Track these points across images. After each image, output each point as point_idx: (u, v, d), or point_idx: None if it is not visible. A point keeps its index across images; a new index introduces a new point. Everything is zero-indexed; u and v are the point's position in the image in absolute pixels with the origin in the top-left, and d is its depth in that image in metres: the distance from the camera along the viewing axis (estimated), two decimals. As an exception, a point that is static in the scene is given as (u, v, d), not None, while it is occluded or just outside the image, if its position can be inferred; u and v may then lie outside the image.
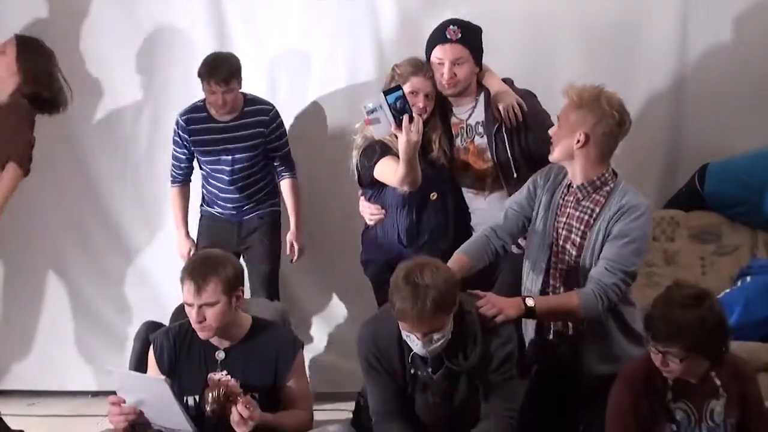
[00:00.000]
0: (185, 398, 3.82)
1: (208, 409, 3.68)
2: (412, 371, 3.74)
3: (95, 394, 5.95)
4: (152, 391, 3.68)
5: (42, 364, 6.18)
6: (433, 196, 4.56)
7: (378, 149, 4.44)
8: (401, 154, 4.14)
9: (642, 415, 3.42)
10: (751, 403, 3.49)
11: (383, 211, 4.60)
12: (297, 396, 3.90)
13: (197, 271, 3.79)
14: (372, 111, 4.01)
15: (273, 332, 3.98)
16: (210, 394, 3.67)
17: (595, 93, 3.82)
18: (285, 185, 5.42)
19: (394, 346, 3.72)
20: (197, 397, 3.84)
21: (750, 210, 5.45)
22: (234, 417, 3.66)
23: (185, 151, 5.32)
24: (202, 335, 3.85)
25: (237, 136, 5.21)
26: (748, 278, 5.18)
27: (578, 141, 3.82)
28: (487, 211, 4.53)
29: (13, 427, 5.10)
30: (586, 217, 3.89)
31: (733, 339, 4.16)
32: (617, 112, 3.81)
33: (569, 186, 3.94)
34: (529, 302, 3.77)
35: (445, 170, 4.57)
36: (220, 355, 3.89)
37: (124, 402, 3.70)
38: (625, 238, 3.79)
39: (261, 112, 5.25)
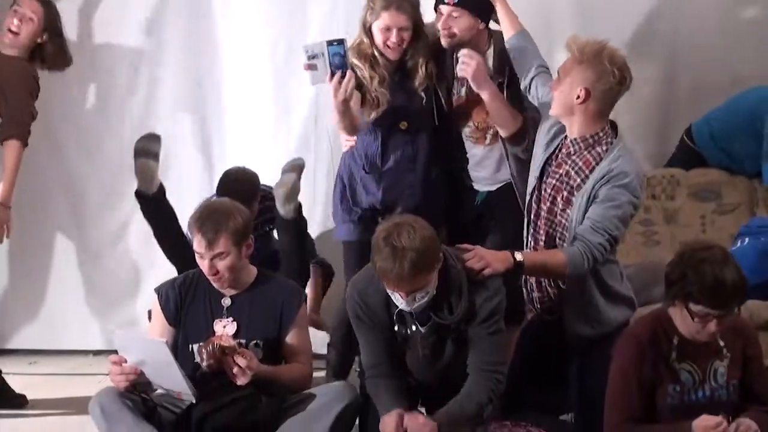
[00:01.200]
0: (190, 346, 3.85)
1: (204, 365, 3.70)
2: (400, 327, 3.76)
3: (96, 353, 5.98)
4: (153, 352, 3.70)
5: (43, 324, 6.21)
6: (403, 125, 4.53)
7: None
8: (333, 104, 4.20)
9: (646, 376, 3.42)
10: (753, 363, 3.50)
11: (355, 137, 4.57)
12: (297, 349, 3.93)
13: (208, 224, 3.82)
14: (312, 57, 4.00)
15: (278, 282, 4.03)
16: (205, 350, 3.69)
17: (598, 49, 3.79)
18: None
19: (381, 302, 3.74)
20: (208, 349, 3.87)
21: (736, 161, 5.46)
22: (232, 368, 3.68)
23: None
24: (216, 285, 3.91)
25: None
26: (747, 239, 5.17)
27: (578, 96, 3.80)
28: (485, 158, 4.54)
29: (14, 386, 5.13)
30: (574, 174, 3.89)
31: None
32: (618, 70, 3.78)
33: (565, 139, 3.93)
34: (518, 257, 3.76)
35: (424, 102, 4.53)
36: (226, 302, 3.93)
37: (126, 362, 3.72)
38: (611, 202, 3.78)
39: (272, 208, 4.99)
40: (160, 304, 3.99)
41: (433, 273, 3.59)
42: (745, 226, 5.27)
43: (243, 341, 3.86)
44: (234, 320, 3.89)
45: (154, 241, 5.41)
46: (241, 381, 3.70)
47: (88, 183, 6.15)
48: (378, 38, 4.42)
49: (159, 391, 3.80)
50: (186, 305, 3.95)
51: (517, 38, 4.30)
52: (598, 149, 3.86)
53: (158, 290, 4.04)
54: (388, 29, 4.39)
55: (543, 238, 3.97)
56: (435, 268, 3.59)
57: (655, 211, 5.56)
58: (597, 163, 3.84)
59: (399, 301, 3.62)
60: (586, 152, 3.87)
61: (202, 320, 3.91)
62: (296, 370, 3.88)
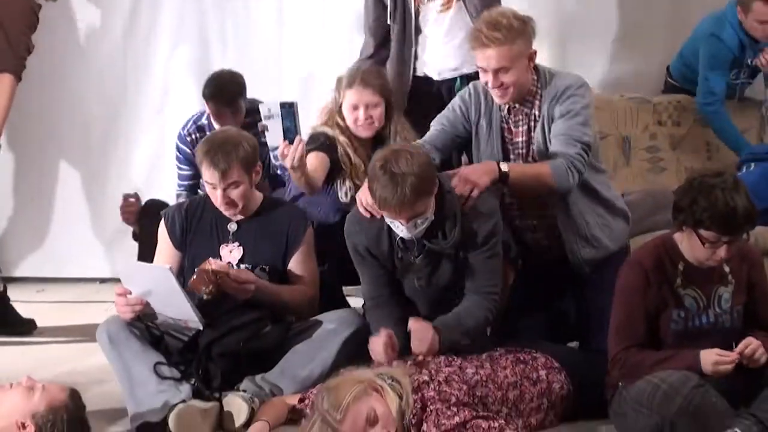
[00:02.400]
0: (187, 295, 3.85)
1: (204, 296, 3.71)
2: (400, 255, 3.76)
3: (103, 280, 6.01)
4: (157, 280, 3.70)
5: (51, 252, 6.24)
6: None
7: (322, 140, 4.24)
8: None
9: (650, 302, 3.43)
10: (757, 289, 3.50)
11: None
12: (302, 274, 3.95)
13: (219, 157, 3.82)
14: (268, 117, 3.84)
15: (284, 208, 4.05)
16: (199, 279, 3.70)
17: (508, 22, 3.75)
18: None
19: (381, 232, 3.74)
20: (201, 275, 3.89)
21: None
22: (230, 286, 3.71)
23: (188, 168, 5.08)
24: (228, 213, 3.92)
25: None
26: (753, 165, 5.17)
27: (528, 69, 3.81)
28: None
29: (22, 314, 5.16)
30: (527, 126, 3.89)
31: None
32: (524, 23, 3.79)
33: (501, 106, 3.89)
34: (503, 167, 3.74)
35: None
36: (232, 226, 3.95)
37: (130, 293, 3.73)
38: (569, 113, 3.80)
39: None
40: (167, 228, 4.00)
41: (432, 197, 3.59)
42: (750, 152, 5.27)
43: (249, 266, 3.88)
44: (240, 245, 3.90)
45: (160, 168, 5.43)
46: (244, 296, 3.72)
47: (93, 110, 6.13)
48: (348, 118, 4.26)
49: (165, 319, 3.82)
50: (192, 229, 3.96)
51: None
52: (534, 87, 3.87)
53: (165, 213, 4.06)
54: (355, 107, 4.23)
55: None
56: (433, 192, 3.60)
57: (661, 137, 5.55)
58: (540, 100, 3.85)
59: (399, 229, 3.62)
60: (527, 99, 3.88)
61: (208, 245, 3.93)
62: (298, 291, 3.89)
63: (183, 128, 5.14)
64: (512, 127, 3.92)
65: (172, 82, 5.99)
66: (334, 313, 3.90)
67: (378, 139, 4.28)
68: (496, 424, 3.24)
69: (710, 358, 3.29)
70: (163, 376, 3.62)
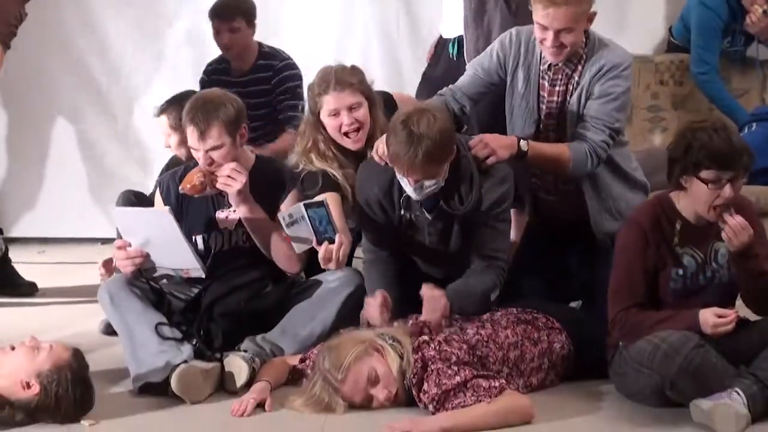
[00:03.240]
0: (193, 237, 3.87)
1: (185, 189, 3.74)
2: (406, 213, 3.76)
3: (105, 241, 6.01)
4: (157, 226, 3.68)
5: (52, 212, 6.24)
6: None
7: (320, 180, 3.94)
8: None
9: (649, 261, 3.43)
10: (754, 241, 3.50)
11: None
12: None
13: (199, 117, 3.77)
14: (292, 223, 3.63)
15: (277, 166, 4.03)
16: (194, 178, 3.73)
17: None
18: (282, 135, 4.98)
19: (393, 184, 3.73)
20: (206, 236, 3.90)
21: None
22: (222, 182, 3.72)
23: None
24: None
25: (246, 92, 4.84)
26: (755, 125, 5.16)
27: (585, 31, 3.78)
28: None
29: (24, 275, 5.17)
30: (564, 88, 3.86)
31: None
32: None
33: (542, 58, 3.86)
34: (523, 145, 3.75)
35: None
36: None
37: (130, 246, 3.72)
38: (608, 96, 3.78)
39: (271, 68, 5.03)
40: (162, 196, 3.99)
41: (445, 165, 3.58)
42: (752, 114, 5.26)
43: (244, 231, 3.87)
44: (234, 210, 3.87)
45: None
46: (235, 186, 3.71)
47: (91, 68, 6.11)
48: (330, 126, 3.93)
49: (165, 271, 3.81)
50: (187, 198, 3.93)
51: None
52: (581, 52, 3.83)
53: (159, 182, 4.04)
54: (335, 113, 3.92)
55: None
56: (447, 161, 3.58)
57: (663, 96, 5.54)
58: (583, 65, 3.81)
59: (407, 187, 3.62)
60: (571, 61, 3.84)
61: (204, 211, 3.91)
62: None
63: (208, 64, 5.20)
64: (548, 85, 3.89)
65: (170, 47, 5.96)
66: (333, 272, 3.86)
67: (364, 156, 3.98)
68: (497, 384, 3.26)
69: (710, 319, 3.29)
70: (165, 336, 3.63)
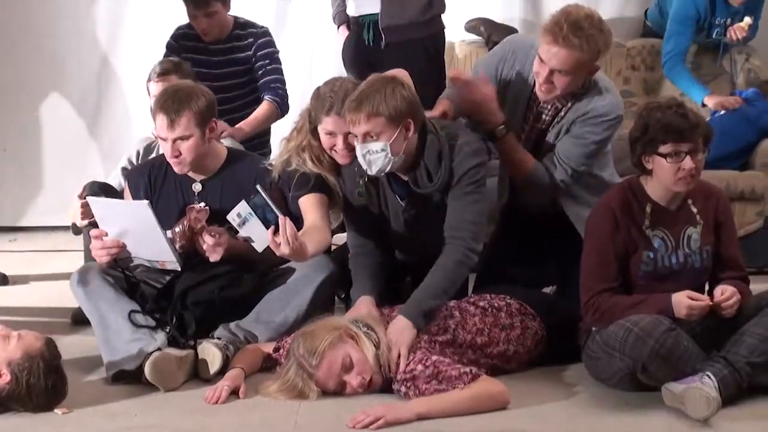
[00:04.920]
0: (165, 231, 3.83)
1: (177, 245, 3.69)
2: (378, 200, 3.74)
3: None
4: (134, 217, 3.65)
5: (22, 200, 6.20)
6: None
7: (311, 182, 3.83)
8: None
9: (619, 244, 3.45)
10: (724, 228, 3.53)
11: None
12: None
13: (169, 104, 3.75)
14: (242, 223, 3.52)
15: (248, 161, 3.99)
16: (176, 229, 3.68)
17: (593, 31, 3.65)
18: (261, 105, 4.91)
19: (372, 182, 3.72)
20: (176, 230, 3.86)
21: None
22: (202, 245, 3.68)
23: None
24: (177, 169, 3.84)
25: (221, 62, 4.87)
26: (723, 110, 5.20)
27: (582, 79, 3.76)
28: None
29: (-5, 262, 5.15)
30: (550, 119, 3.86)
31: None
32: (605, 38, 3.70)
33: (534, 81, 3.82)
34: (501, 130, 3.78)
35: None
36: (197, 187, 3.90)
37: (106, 235, 3.70)
38: (582, 140, 3.79)
39: (249, 36, 4.97)
40: (130, 191, 3.96)
41: (394, 128, 3.51)
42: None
43: (217, 224, 3.83)
44: (206, 205, 3.84)
45: (133, 115, 5.37)
46: (212, 258, 3.69)
47: (67, 53, 6.09)
48: (323, 141, 3.80)
49: (140, 261, 3.79)
50: (156, 191, 3.91)
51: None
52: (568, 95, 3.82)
53: (127, 176, 4.00)
54: (331, 134, 3.76)
55: None
56: (395, 122, 3.51)
57: (635, 81, 5.57)
58: (576, 102, 3.80)
59: (359, 156, 3.56)
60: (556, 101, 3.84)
61: (174, 206, 3.87)
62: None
63: (177, 28, 5.07)
64: (537, 110, 3.87)
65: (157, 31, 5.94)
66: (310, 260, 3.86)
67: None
68: (468, 369, 3.28)
69: (683, 302, 3.32)
70: (138, 324, 3.62)
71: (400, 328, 3.46)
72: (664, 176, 3.39)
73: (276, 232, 3.43)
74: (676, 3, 5.39)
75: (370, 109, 3.49)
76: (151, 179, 3.93)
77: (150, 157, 4.15)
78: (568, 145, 3.81)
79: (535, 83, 3.81)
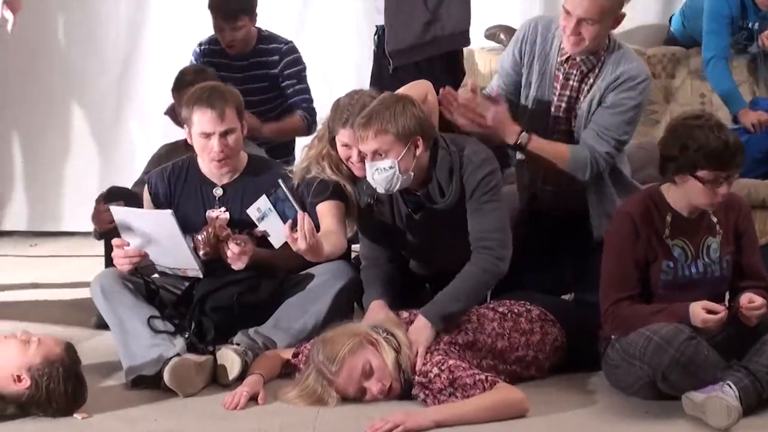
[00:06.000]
0: (185, 236, 3.84)
1: (200, 253, 3.70)
2: (395, 214, 3.73)
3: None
4: (157, 226, 3.66)
5: (43, 205, 6.22)
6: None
7: (331, 188, 3.82)
8: None
9: (640, 252, 3.43)
10: (744, 238, 3.52)
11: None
12: None
13: (213, 99, 3.78)
14: (262, 217, 3.56)
15: (269, 167, 4.00)
16: (200, 237, 3.69)
17: None
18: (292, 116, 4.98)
19: (385, 198, 3.71)
20: (200, 237, 3.87)
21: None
22: (226, 253, 3.69)
23: None
24: (222, 170, 3.87)
25: (244, 78, 4.88)
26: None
27: (609, 29, 3.76)
28: None
29: (16, 268, 5.15)
30: (578, 84, 3.85)
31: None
32: None
33: (560, 50, 3.85)
34: (522, 139, 3.76)
35: None
36: (218, 191, 3.91)
37: (128, 245, 3.71)
38: (620, 108, 3.78)
39: (274, 52, 4.99)
40: (150, 195, 3.96)
41: (401, 145, 3.52)
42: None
43: (237, 230, 3.84)
44: (226, 210, 3.86)
45: (152, 121, 5.38)
46: (237, 266, 3.70)
47: (85, 60, 6.10)
48: (340, 152, 3.80)
49: (162, 269, 3.80)
50: (177, 196, 3.92)
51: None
52: (600, 53, 3.82)
53: (147, 180, 4.01)
54: (347, 146, 3.76)
55: None
56: (403, 139, 3.52)
57: (655, 89, 5.54)
58: (600, 68, 3.80)
59: (368, 175, 3.57)
60: (589, 58, 3.82)
61: (194, 211, 3.87)
62: (294, 254, 3.85)
63: (198, 44, 5.10)
64: (562, 78, 3.87)
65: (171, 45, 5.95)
66: (326, 265, 3.85)
67: None
68: (483, 377, 3.27)
69: (699, 315, 3.29)
70: (157, 329, 3.62)
71: (419, 327, 3.47)
72: (695, 196, 3.38)
73: (294, 227, 3.43)
74: (707, 3, 5.36)
75: (378, 127, 3.50)
76: (171, 184, 3.95)
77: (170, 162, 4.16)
78: (606, 116, 3.79)
79: (559, 54, 3.83)
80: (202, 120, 3.79)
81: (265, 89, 4.96)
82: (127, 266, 3.72)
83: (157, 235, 3.67)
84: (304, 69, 5.04)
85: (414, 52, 4.51)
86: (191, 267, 3.72)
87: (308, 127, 4.97)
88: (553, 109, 3.89)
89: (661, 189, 3.49)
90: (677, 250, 3.45)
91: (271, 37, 5.03)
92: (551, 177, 3.95)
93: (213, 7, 4.91)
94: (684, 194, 3.40)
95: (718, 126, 3.36)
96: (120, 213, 3.75)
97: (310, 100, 5.02)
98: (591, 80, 3.83)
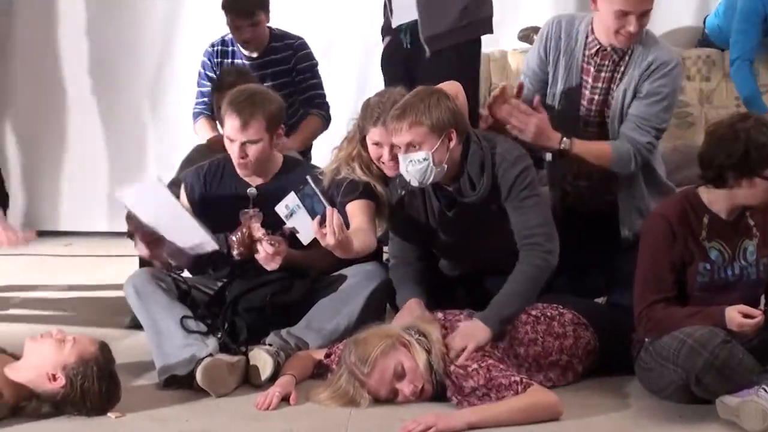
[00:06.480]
0: (218, 236, 3.84)
1: (235, 253, 3.71)
2: (427, 213, 3.72)
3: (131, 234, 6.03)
4: (157, 200, 3.65)
5: (78, 205, 6.27)
6: None
7: (361, 188, 3.83)
8: None
9: (676, 255, 3.41)
10: None
11: None
12: None
13: (243, 107, 3.79)
14: (290, 214, 3.57)
15: (302, 169, 4.00)
16: (234, 238, 3.70)
17: None
18: (305, 121, 5.02)
19: (418, 192, 3.71)
20: (234, 238, 3.88)
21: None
22: (260, 254, 3.70)
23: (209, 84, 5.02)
24: (241, 172, 3.89)
25: (263, 75, 4.91)
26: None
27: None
28: None
29: (51, 268, 5.17)
30: (610, 74, 3.85)
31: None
32: None
33: (587, 44, 3.86)
34: (564, 144, 3.76)
35: None
36: (252, 192, 3.93)
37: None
38: (656, 96, 3.78)
39: (286, 48, 5.03)
40: (186, 194, 3.99)
41: (435, 138, 3.51)
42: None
43: (269, 231, 3.85)
44: (260, 210, 3.87)
45: (188, 125, 5.41)
46: (270, 267, 3.71)
47: (118, 55, 6.14)
48: (371, 152, 3.81)
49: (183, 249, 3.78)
50: (211, 196, 3.94)
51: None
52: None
53: (183, 177, 4.03)
54: (378, 145, 3.76)
55: None
56: (437, 132, 3.52)
57: (690, 91, 5.52)
58: (630, 56, 3.81)
59: (402, 168, 3.57)
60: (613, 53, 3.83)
61: (228, 209, 3.87)
62: (326, 253, 3.84)
63: (210, 45, 5.12)
64: (594, 70, 3.88)
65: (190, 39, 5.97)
66: (359, 266, 3.87)
67: None
68: (518, 378, 3.26)
69: (735, 320, 3.27)
70: (190, 329, 3.64)
71: (476, 327, 3.46)
72: (761, 195, 3.35)
73: (322, 223, 3.44)
74: (741, 2, 5.33)
75: (413, 118, 3.50)
76: (206, 183, 3.97)
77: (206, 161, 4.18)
78: (643, 107, 3.80)
79: (587, 48, 3.84)
80: (228, 125, 3.84)
81: (281, 86, 4.95)
82: (144, 251, 3.75)
83: (162, 209, 3.67)
84: (317, 64, 5.10)
85: (452, 36, 4.55)
86: (205, 240, 3.72)
87: (325, 122, 5.04)
88: (585, 103, 3.89)
89: (698, 191, 3.46)
90: (714, 252, 3.43)
91: (283, 35, 5.07)
92: (584, 173, 3.95)
93: (228, 5, 4.94)
94: (731, 196, 3.37)
95: (766, 124, 3.35)
96: (127, 196, 3.72)
97: (323, 95, 5.08)
98: (623, 68, 3.84)
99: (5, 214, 4.11)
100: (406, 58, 4.70)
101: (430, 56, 4.55)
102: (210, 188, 3.97)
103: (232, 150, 3.84)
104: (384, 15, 4.89)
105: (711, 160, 3.35)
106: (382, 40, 4.94)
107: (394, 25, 4.75)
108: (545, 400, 3.26)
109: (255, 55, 5.02)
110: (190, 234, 3.72)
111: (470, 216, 3.69)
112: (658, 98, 3.78)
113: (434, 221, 3.76)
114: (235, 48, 5.04)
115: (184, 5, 6.11)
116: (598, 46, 3.83)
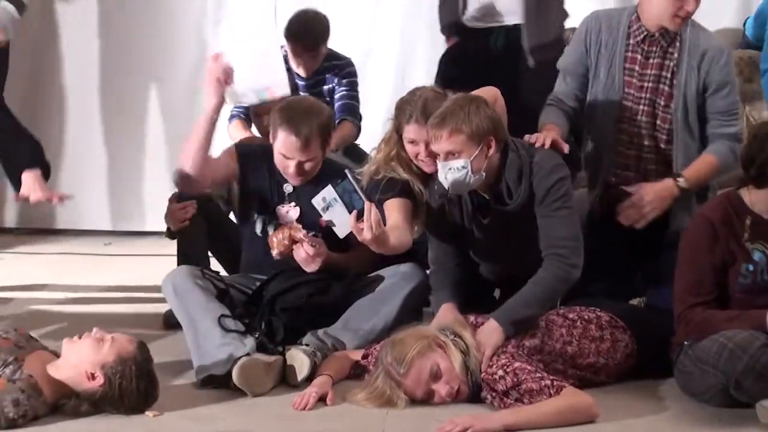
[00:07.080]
0: (255, 214, 3.93)
1: (274, 253, 3.73)
2: (463, 218, 3.72)
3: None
4: (263, 26, 3.72)
5: (118, 204, 6.31)
6: None
7: (399, 187, 3.82)
8: None
9: (718, 256, 3.39)
10: None
11: None
12: None
13: (301, 123, 3.79)
14: (327, 207, 3.63)
15: (340, 169, 3.98)
16: (274, 239, 3.72)
17: None
18: (341, 126, 5.00)
19: (455, 198, 3.71)
20: (266, 219, 3.94)
21: None
22: (300, 255, 3.70)
23: None
24: (293, 180, 3.91)
25: (312, 94, 4.89)
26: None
27: None
28: None
29: (89, 266, 5.20)
30: (660, 61, 3.88)
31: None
32: None
33: (632, 33, 3.89)
34: (682, 183, 3.84)
35: None
36: (288, 188, 3.95)
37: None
38: (726, 87, 3.90)
39: (333, 68, 5.07)
40: (237, 153, 3.97)
41: (474, 146, 3.51)
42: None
43: (306, 230, 3.86)
44: (296, 205, 3.90)
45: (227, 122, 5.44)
46: (310, 269, 3.72)
47: (162, 73, 6.18)
48: (408, 151, 3.81)
49: (248, 94, 3.81)
50: (251, 176, 3.96)
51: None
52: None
53: (236, 146, 4.07)
54: (414, 143, 3.77)
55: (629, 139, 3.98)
56: (476, 140, 3.51)
57: (732, 93, 5.46)
58: (680, 42, 3.86)
59: (441, 176, 3.57)
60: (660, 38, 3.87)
61: (261, 196, 3.94)
62: (365, 255, 3.85)
63: None
64: (641, 57, 3.92)
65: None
66: (396, 267, 3.88)
67: None
68: (549, 381, 3.25)
69: None
70: (228, 328, 3.64)
71: (489, 330, 3.46)
72: None
73: (359, 218, 3.44)
74: None
75: (453, 126, 3.50)
76: (254, 157, 3.98)
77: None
78: (718, 102, 3.91)
79: (632, 37, 3.90)
80: (285, 142, 3.83)
81: (331, 104, 4.99)
82: (179, 222, 3.91)
83: (254, 44, 3.69)
84: (357, 84, 5.14)
85: (554, 47, 4.51)
86: (280, 79, 3.75)
87: (358, 131, 5.11)
88: (633, 91, 3.94)
89: (740, 192, 3.44)
90: (757, 253, 3.40)
91: (332, 55, 5.10)
92: (632, 162, 3.99)
93: (294, 37, 4.93)
94: None
95: None
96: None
97: (357, 107, 5.09)
98: (675, 54, 3.90)
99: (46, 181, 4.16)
100: (475, 61, 4.63)
101: (535, 66, 4.52)
102: (254, 165, 3.97)
103: (287, 165, 3.85)
104: (448, 14, 4.81)
105: (753, 158, 3.36)
106: (446, 40, 4.89)
107: (479, 26, 4.69)
108: (581, 402, 3.25)
109: (305, 75, 5.04)
110: (269, 73, 3.74)
111: (506, 224, 3.69)
112: (729, 88, 3.91)
113: (470, 226, 3.75)
114: (290, 66, 5.05)
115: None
116: (645, 33, 3.89)
